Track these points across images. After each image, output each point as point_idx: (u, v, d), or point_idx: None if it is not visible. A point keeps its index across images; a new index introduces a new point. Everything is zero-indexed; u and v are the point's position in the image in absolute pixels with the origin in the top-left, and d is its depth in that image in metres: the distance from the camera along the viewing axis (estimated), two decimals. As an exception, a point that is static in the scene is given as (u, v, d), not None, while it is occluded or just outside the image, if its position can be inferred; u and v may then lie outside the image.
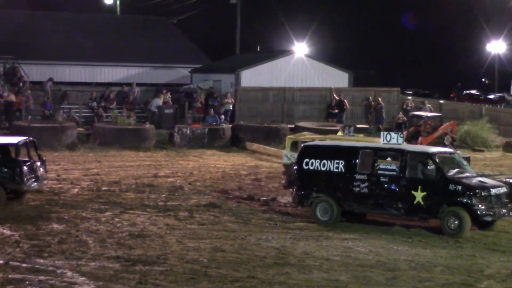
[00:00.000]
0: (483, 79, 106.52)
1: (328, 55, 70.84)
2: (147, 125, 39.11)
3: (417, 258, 18.05)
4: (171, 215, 22.32)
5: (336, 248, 18.81)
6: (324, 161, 22.32)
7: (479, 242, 20.39)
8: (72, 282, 14.98)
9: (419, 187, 21.05)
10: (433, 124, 39.07)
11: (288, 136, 30.02)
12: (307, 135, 29.51)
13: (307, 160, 22.68)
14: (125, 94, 44.17)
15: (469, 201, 20.55)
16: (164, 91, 43.98)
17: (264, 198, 25.68)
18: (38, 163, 24.18)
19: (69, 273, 15.57)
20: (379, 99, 45.52)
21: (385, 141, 22.29)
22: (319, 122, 42.66)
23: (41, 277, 15.22)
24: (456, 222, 20.61)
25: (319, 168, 22.40)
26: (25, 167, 23.12)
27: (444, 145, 33.52)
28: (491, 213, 20.80)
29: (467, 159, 32.37)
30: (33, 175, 23.55)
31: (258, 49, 60.72)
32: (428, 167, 21.34)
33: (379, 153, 22.01)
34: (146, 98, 44.60)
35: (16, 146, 23.60)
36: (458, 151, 34.91)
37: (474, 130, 43.03)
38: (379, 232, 21.09)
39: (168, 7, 68.86)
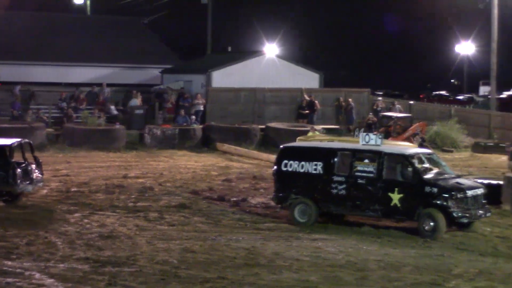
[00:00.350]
0: (452, 80, 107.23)
1: (299, 55, 70.95)
2: (117, 126, 38.95)
3: (386, 258, 18.13)
4: (141, 216, 22.26)
5: (306, 249, 18.85)
6: (303, 162, 22.36)
7: (447, 242, 20.55)
8: (40, 284, 14.88)
9: (396, 189, 21.12)
10: (403, 125, 39.28)
11: (298, 138, 29.86)
12: (316, 136, 29.37)
13: (286, 161, 22.70)
14: (95, 95, 43.96)
15: (445, 203, 20.63)
16: (135, 92, 43.83)
17: (235, 199, 25.67)
18: (33, 166, 23.86)
19: (37, 275, 15.46)
20: (350, 99, 45.65)
21: (363, 142, 22.36)
22: (289, 123, 42.70)
23: (9, 279, 15.09)
24: (431, 224, 20.71)
25: (297, 170, 22.43)
26: (18, 170, 22.84)
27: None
28: (467, 214, 20.91)
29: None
30: (27, 178, 23.27)
31: (229, 50, 60.65)
32: (405, 169, 21.41)
33: (357, 154, 22.08)
34: (117, 99, 44.44)
35: (9, 147, 23.36)
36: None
37: (444, 131, 43.29)
38: (348, 232, 21.18)
39: (139, 7, 68.63)
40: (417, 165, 21.47)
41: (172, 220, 21.81)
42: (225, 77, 46.32)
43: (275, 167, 23.12)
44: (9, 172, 22.57)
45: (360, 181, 21.65)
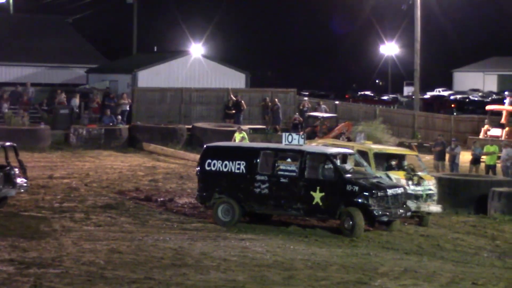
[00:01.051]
0: (377, 81, 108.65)
1: (225, 55, 71.06)
2: (42, 126, 38.46)
3: (313, 257, 18.25)
4: (66, 216, 22.00)
5: (233, 248, 18.87)
6: (226, 162, 22.38)
7: (373, 240, 20.80)
8: (-36, 287, 14.61)
9: (318, 188, 21.28)
10: (329, 125, 39.63)
11: (318, 141, 29.43)
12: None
13: (209, 161, 22.70)
14: (19, 94, 43.28)
15: (365, 201, 20.85)
16: (59, 91, 43.32)
17: (162, 199, 25.58)
18: (17, 170, 23.18)
19: (-39, 277, 15.16)
20: (276, 99, 45.87)
21: (286, 142, 22.53)
22: (216, 123, 42.75)
23: None
24: (350, 222, 20.92)
25: (221, 169, 22.44)
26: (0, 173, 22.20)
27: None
28: (388, 213, 21.15)
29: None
30: (10, 182, 22.58)
31: (155, 50, 60.42)
32: (326, 168, 21.59)
33: (279, 154, 22.20)
34: (41, 99, 43.83)
35: None
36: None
37: (369, 131, 43.75)
38: (276, 232, 21.26)
39: (64, 6, 67.89)
40: (339, 165, 21.68)
41: (99, 221, 21.61)
42: (151, 77, 46.14)
43: (199, 166, 23.11)
44: None
45: (282, 180, 21.78)
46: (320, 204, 21.21)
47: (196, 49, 52.85)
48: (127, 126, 40.55)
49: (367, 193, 20.94)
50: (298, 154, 21.85)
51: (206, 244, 19.28)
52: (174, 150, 37.97)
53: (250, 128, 40.48)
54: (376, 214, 20.95)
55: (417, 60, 52.63)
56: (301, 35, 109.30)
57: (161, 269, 16.38)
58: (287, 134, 23.00)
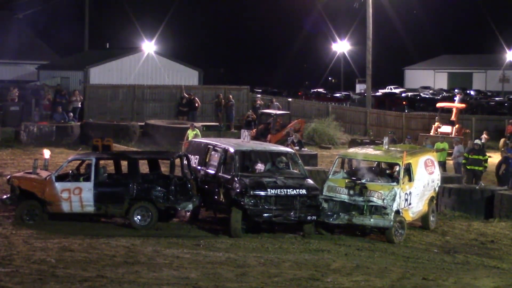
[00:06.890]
0: (329, 78, 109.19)
1: (178, 53, 70.86)
2: (-9, 123, 38.02)
3: (266, 254, 18.28)
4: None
5: (186, 246, 18.82)
6: (193, 156, 22.81)
7: (325, 237, 20.87)
8: None
9: (222, 183, 21.22)
10: (282, 122, 39.66)
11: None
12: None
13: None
14: (-33, 91, 42.79)
15: (241, 199, 20.44)
16: (11, 88, 42.84)
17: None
18: None
19: None
20: (230, 96, 45.83)
21: (242, 139, 22.91)
22: (169, 120, 42.59)
23: None
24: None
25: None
26: None
27: (293, 142, 34.05)
28: (266, 214, 20.53)
29: (314, 156, 33.07)
30: None
31: (108, 46, 60.06)
32: (230, 164, 21.40)
33: (214, 149, 22.38)
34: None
35: None
36: (306, 149, 35.57)
37: (321, 128, 43.98)
38: (227, 229, 21.22)
39: (14, 2, 67.14)
40: (238, 162, 21.19)
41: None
42: (103, 74, 45.87)
43: None
44: None
45: (209, 174, 21.95)
46: (223, 200, 21.15)
47: (149, 46, 52.68)
48: (78, 123, 40.20)
49: (242, 191, 20.45)
50: (221, 151, 21.91)
51: (158, 242, 19.20)
52: (126, 147, 37.73)
53: (203, 125, 40.39)
54: (250, 213, 20.45)
55: (369, 57, 52.92)
56: (254, 33, 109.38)
57: (113, 267, 16.26)
58: (242, 130, 23.69)
